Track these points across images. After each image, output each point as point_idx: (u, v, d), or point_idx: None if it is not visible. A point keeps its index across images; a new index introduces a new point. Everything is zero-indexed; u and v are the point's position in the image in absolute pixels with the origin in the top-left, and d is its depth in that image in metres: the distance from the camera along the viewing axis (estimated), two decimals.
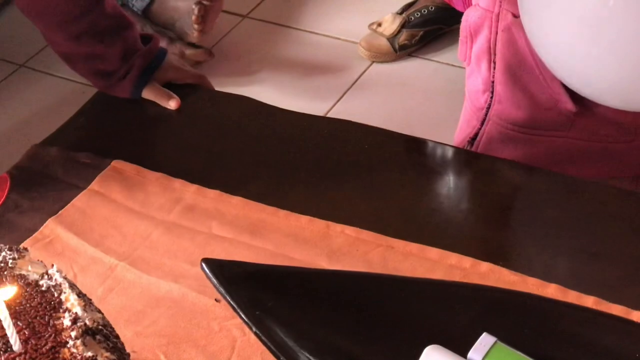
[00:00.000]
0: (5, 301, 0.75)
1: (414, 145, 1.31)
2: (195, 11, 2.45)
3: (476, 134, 1.35)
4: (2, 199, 1.23)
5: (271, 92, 2.35)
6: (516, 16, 1.19)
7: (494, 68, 1.27)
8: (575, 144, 1.27)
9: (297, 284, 0.98)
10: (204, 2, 2.44)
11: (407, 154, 1.30)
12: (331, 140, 1.33)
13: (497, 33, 1.24)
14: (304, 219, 1.17)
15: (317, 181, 1.25)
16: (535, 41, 1.06)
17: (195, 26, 2.47)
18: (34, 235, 1.18)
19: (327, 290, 0.98)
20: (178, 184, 1.26)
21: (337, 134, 1.34)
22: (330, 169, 1.27)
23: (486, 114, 1.32)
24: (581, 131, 1.25)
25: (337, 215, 1.17)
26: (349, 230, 1.15)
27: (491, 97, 1.30)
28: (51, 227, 1.19)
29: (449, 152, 1.28)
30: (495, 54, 1.26)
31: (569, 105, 1.21)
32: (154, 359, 0.99)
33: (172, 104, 1.39)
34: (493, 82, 1.28)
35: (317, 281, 0.99)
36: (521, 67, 1.24)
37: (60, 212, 1.21)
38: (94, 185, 1.26)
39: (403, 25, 2.48)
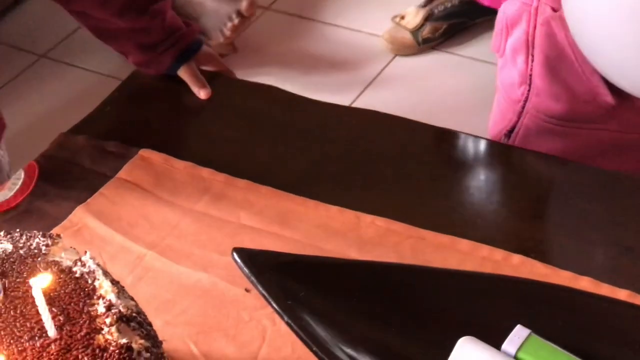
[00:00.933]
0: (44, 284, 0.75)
1: (447, 137, 1.30)
2: (235, 21, 2.43)
3: (513, 127, 1.34)
4: (31, 187, 1.23)
5: (292, 85, 2.32)
6: (555, 10, 1.18)
7: (532, 61, 1.26)
8: (612, 137, 1.26)
9: (328, 274, 0.97)
10: (245, 14, 2.43)
11: (439, 145, 1.30)
12: (360, 130, 1.32)
13: (535, 26, 1.23)
14: (334, 210, 1.16)
15: (346, 172, 1.24)
16: (575, 31, 1.05)
17: (228, 34, 2.46)
18: (62, 224, 1.17)
19: (359, 281, 0.97)
20: (206, 173, 1.25)
21: (366, 125, 1.33)
22: (360, 160, 1.26)
23: (523, 107, 1.31)
24: (619, 124, 1.25)
25: (367, 206, 1.16)
26: (379, 221, 1.14)
27: (528, 90, 1.29)
28: (79, 215, 1.18)
29: (482, 145, 1.27)
30: (533, 47, 1.25)
31: (608, 98, 1.21)
32: (184, 348, 0.98)
33: (203, 94, 1.39)
34: (531, 75, 1.27)
35: (349, 271, 0.99)
36: (560, 61, 1.23)
37: (88, 200, 1.21)
38: (122, 173, 1.25)
39: (426, 19, 2.46)
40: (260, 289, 0.93)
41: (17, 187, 1.24)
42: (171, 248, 1.13)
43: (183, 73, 1.40)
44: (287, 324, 0.91)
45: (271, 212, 1.17)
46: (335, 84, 2.48)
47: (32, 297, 0.79)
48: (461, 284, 0.98)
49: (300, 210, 1.17)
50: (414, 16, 2.48)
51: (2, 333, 0.76)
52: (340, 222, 1.14)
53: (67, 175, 1.27)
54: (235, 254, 0.97)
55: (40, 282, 0.75)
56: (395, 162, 1.25)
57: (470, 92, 2.32)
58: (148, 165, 1.28)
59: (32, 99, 2.52)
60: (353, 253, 1.08)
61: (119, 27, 1.38)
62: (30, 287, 0.79)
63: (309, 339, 0.89)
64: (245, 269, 0.95)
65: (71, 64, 2.63)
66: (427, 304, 0.96)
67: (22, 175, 1.26)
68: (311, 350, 0.88)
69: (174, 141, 1.35)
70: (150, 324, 0.82)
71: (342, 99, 2.31)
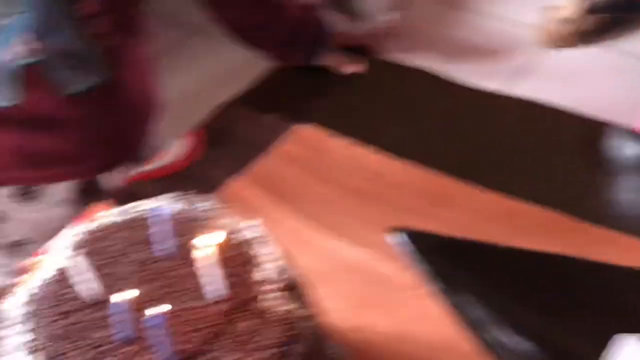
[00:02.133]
0: (213, 246, 0.77)
1: (608, 131, 1.27)
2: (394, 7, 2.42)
3: None
4: (193, 155, 1.26)
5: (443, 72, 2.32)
6: None
7: None
8: None
9: (489, 258, 0.97)
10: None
11: (599, 139, 1.27)
12: (519, 118, 1.31)
13: None
14: (492, 196, 1.16)
15: (504, 158, 1.23)
16: None
17: (384, 19, 2.44)
18: (222, 191, 1.20)
19: (518, 267, 0.97)
20: (363, 151, 1.26)
21: (527, 114, 1.32)
22: (520, 148, 1.25)
23: None
24: None
25: (524, 194, 1.15)
26: (538, 210, 1.13)
27: None
28: (238, 184, 1.21)
29: None
30: None
31: None
32: (341, 322, 0.99)
33: (351, 69, 1.40)
34: None
35: (510, 257, 0.98)
36: None
37: (246, 171, 1.23)
38: (280, 147, 1.28)
39: (587, 10, 2.39)
40: (420, 268, 0.94)
41: (180, 153, 1.27)
42: (328, 223, 1.14)
43: (324, 60, 1.42)
44: (445, 304, 0.91)
45: (428, 194, 1.17)
46: (485, 76, 2.44)
47: (199, 258, 0.81)
48: (624, 279, 0.96)
49: (458, 194, 1.17)
50: (572, 7, 2.42)
51: (169, 290, 0.79)
52: (497, 209, 1.14)
53: (226, 145, 1.30)
54: (396, 233, 0.98)
55: (210, 243, 0.77)
56: (554, 153, 1.23)
57: (631, 91, 2.25)
58: (305, 140, 1.29)
59: (191, 71, 2.58)
60: (509, 240, 1.07)
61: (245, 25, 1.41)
62: (199, 247, 0.81)
63: (466, 321, 0.88)
64: (406, 248, 0.96)
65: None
66: (587, 296, 0.94)
67: (185, 143, 1.29)
68: (468, 332, 0.88)
69: (331, 118, 1.36)
70: (309, 295, 0.83)
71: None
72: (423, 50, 2.33)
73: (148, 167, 1.27)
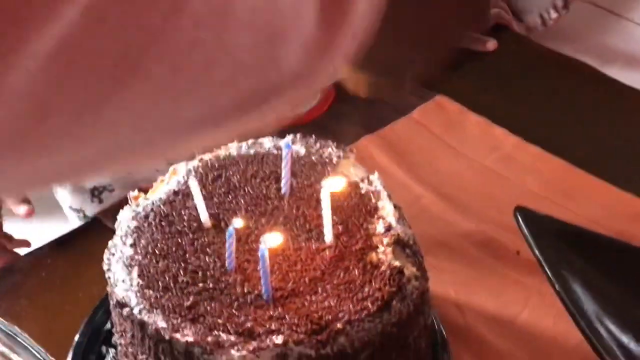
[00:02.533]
0: (330, 192, 0.76)
1: None
2: (560, 8, 2.34)
3: None
4: (326, 107, 1.25)
5: None
6: None
7: None
8: None
9: (610, 252, 0.93)
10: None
11: None
12: None
13: None
14: (625, 195, 1.11)
15: None
16: None
17: (550, 22, 2.37)
18: (348, 147, 1.18)
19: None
20: (499, 131, 1.23)
21: None
22: None
23: None
24: None
25: None
26: None
27: None
28: (367, 143, 1.19)
29: None
30: None
31: None
32: (444, 293, 0.97)
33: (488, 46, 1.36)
34: None
35: (632, 255, 0.93)
36: None
37: (378, 131, 1.21)
38: (415, 113, 1.25)
39: None
40: (536, 251, 0.90)
41: (312, 105, 1.26)
42: (451, 196, 1.11)
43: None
44: (557, 292, 0.87)
45: (559, 184, 1.13)
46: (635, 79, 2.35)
47: (316, 202, 0.80)
48: None
49: (590, 188, 1.12)
50: None
51: (282, 228, 0.78)
52: (630, 209, 1.09)
53: (361, 104, 1.28)
54: (517, 212, 0.94)
55: (330, 186, 0.76)
56: None
57: None
58: (442, 111, 1.27)
59: None
60: (638, 241, 1.02)
61: None
62: (316, 191, 0.80)
63: (577, 312, 0.84)
64: (525, 229, 0.92)
65: None
66: None
67: (318, 95, 1.28)
68: (577, 324, 0.84)
69: (471, 94, 1.33)
70: (422, 257, 0.80)
71: None
72: (574, 47, 2.27)
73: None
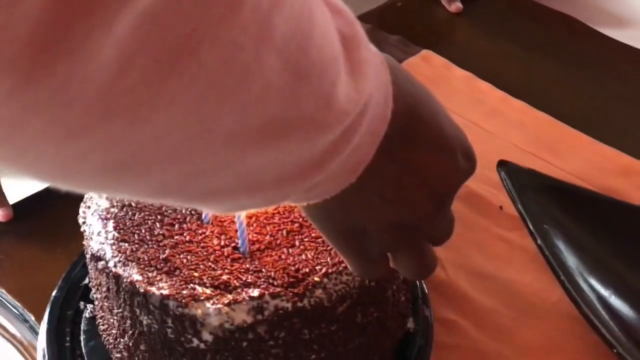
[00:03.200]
0: None
1: None
2: None
3: None
4: None
5: None
6: None
7: None
8: None
9: (593, 207, 0.92)
10: None
11: None
12: None
13: None
14: (610, 151, 1.10)
15: (631, 116, 1.17)
16: None
17: None
18: None
19: (625, 222, 0.91)
20: (484, 86, 1.22)
21: None
22: None
23: None
24: None
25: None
26: None
27: None
28: None
29: None
30: None
31: None
32: None
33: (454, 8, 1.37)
34: None
35: (616, 210, 0.93)
36: None
37: None
38: (403, 67, 1.23)
39: None
40: (519, 205, 0.89)
41: None
42: None
43: None
44: (539, 246, 0.86)
45: (544, 139, 1.12)
46: (625, 35, 2.34)
47: None
48: None
49: (575, 143, 1.12)
50: None
51: None
52: (614, 164, 1.08)
53: None
54: (501, 167, 0.94)
55: None
56: None
57: None
58: (428, 66, 1.26)
59: None
60: (621, 197, 1.01)
61: None
62: None
63: (558, 266, 0.84)
64: (508, 183, 0.91)
65: None
66: None
67: None
68: (558, 279, 0.84)
69: (457, 49, 1.32)
70: None
71: None
72: (561, 1, 2.25)
73: None
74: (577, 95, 1.22)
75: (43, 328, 0.82)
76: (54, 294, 0.85)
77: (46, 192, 1.03)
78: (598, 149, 1.10)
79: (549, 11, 1.41)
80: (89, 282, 0.82)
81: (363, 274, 0.63)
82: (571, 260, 0.85)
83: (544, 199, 0.90)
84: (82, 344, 0.81)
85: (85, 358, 0.80)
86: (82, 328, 0.83)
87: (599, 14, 1.44)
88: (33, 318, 0.89)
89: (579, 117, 1.16)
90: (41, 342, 0.81)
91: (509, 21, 1.40)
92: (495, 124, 1.15)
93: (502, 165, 0.93)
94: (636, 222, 0.91)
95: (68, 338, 0.82)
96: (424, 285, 0.86)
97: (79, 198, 0.78)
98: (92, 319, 0.82)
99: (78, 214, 0.77)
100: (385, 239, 0.57)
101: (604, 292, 0.83)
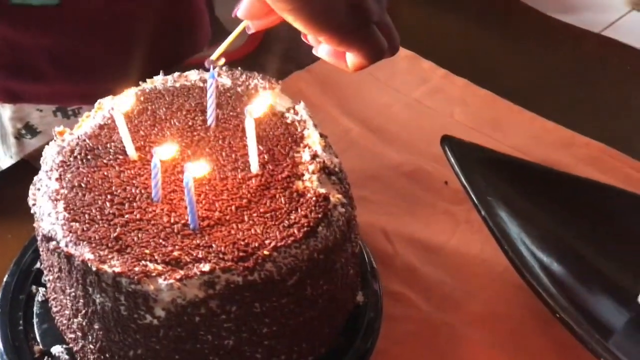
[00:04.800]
0: (256, 122, 0.76)
1: None
2: None
3: None
4: (256, 44, 1.25)
5: None
6: None
7: None
8: None
9: (535, 179, 0.94)
10: None
11: None
12: (598, 56, 1.27)
13: None
14: (550, 124, 1.13)
15: (569, 91, 1.20)
16: None
17: None
18: (282, 80, 1.18)
19: (565, 192, 0.94)
20: (427, 65, 1.24)
21: (606, 52, 1.28)
22: (587, 83, 1.22)
23: None
24: None
25: (583, 127, 1.12)
26: (595, 144, 1.09)
27: None
28: (297, 78, 1.19)
29: None
30: None
31: None
32: (374, 224, 0.98)
33: None
34: None
35: (557, 181, 0.95)
36: None
37: (307, 67, 1.21)
38: None
39: None
40: (463, 178, 0.91)
41: (242, 42, 1.25)
42: (380, 128, 1.12)
43: None
44: (483, 218, 0.88)
45: (485, 115, 1.15)
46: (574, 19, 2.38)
47: (242, 132, 0.80)
48: None
49: (516, 118, 1.14)
50: None
51: (208, 159, 0.78)
52: (554, 137, 1.11)
53: (292, 41, 1.27)
54: (444, 142, 0.95)
55: (252, 116, 0.76)
56: (622, 92, 1.19)
57: None
58: None
59: None
60: (561, 169, 1.04)
61: None
62: (241, 121, 0.80)
63: (502, 237, 0.86)
64: (451, 157, 0.93)
65: None
66: (632, 230, 0.91)
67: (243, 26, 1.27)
68: (502, 248, 0.86)
69: (399, 29, 1.33)
70: (349, 185, 0.81)
71: None
72: None
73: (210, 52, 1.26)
74: (518, 71, 1.25)
75: None
76: (5, 278, 0.85)
77: None
78: (538, 123, 1.13)
79: None
80: (41, 265, 0.82)
81: (363, 45, 0.74)
82: (514, 230, 0.87)
83: (487, 172, 0.92)
84: (36, 327, 0.82)
85: (39, 340, 0.80)
86: (34, 311, 0.83)
87: None
88: None
89: (519, 93, 1.18)
90: None
91: (450, 1, 1.42)
92: (438, 101, 1.17)
93: (446, 140, 0.95)
94: (575, 192, 0.94)
95: (21, 322, 0.82)
96: (372, 259, 0.88)
97: (29, 184, 0.78)
98: (45, 302, 0.83)
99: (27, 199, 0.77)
100: (350, 13, 0.70)
101: (546, 259, 0.85)
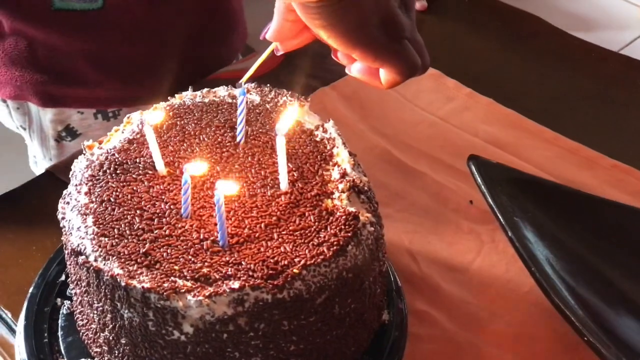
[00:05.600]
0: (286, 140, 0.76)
1: None
2: None
3: None
4: (280, 60, 1.25)
5: None
6: None
7: None
8: None
9: (561, 200, 0.94)
10: None
11: None
12: (621, 76, 1.27)
13: None
14: (574, 144, 1.13)
15: (593, 110, 1.20)
16: None
17: None
18: (308, 96, 1.18)
19: (591, 214, 0.93)
20: (452, 83, 1.24)
21: (629, 72, 1.28)
22: (611, 103, 1.22)
23: None
24: None
25: (608, 149, 1.12)
26: (620, 166, 1.09)
27: None
28: (324, 94, 1.20)
29: None
30: None
31: None
32: (397, 242, 0.98)
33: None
34: None
35: (583, 202, 0.95)
36: None
37: (332, 84, 1.22)
38: None
39: None
40: (489, 199, 0.91)
41: (265, 57, 1.25)
42: (405, 146, 1.12)
43: None
44: (510, 239, 0.88)
45: (510, 134, 1.15)
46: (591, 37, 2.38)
47: (271, 149, 0.80)
48: None
49: (539, 138, 1.14)
50: None
51: (238, 176, 0.78)
52: (578, 158, 1.11)
53: (317, 57, 1.28)
54: (470, 161, 0.95)
55: (282, 135, 0.76)
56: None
57: None
58: None
59: None
60: (586, 190, 1.03)
61: None
62: (271, 138, 0.80)
63: (529, 259, 0.85)
64: (478, 178, 0.93)
65: None
66: None
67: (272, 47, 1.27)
68: (529, 270, 0.85)
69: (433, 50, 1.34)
70: (377, 203, 0.81)
71: None
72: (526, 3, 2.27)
73: (233, 67, 1.26)
74: (541, 91, 1.25)
75: (20, 325, 0.82)
76: (30, 291, 0.85)
77: (21, 190, 1.03)
78: (562, 143, 1.13)
79: (512, 9, 1.44)
80: (66, 278, 0.82)
81: (396, 60, 0.73)
82: (541, 251, 0.87)
83: (513, 192, 0.92)
84: (60, 339, 0.82)
85: (64, 353, 0.80)
86: (59, 324, 0.83)
87: (560, 13, 1.47)
88: (10, 315, 0.89)
89: (543, 112, 1.18)
90: (19, 339, 0.81)
91: (473, 19, 1.42)
92: (462, 119, 1.17)
93: (472, 159, 0.95)
94: (601, 213, 0.94)
95: (46, 334, 0.82)
96: (397, 278, 0.88)
97: (54, 196, 0.79)
98: (70, 315, 0.83)
99: (52, 211, 0.77)
100: (383, 28, 0.71)
101: (573, 281, 0.85)
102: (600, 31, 2.40)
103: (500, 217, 0.89)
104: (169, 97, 0.88)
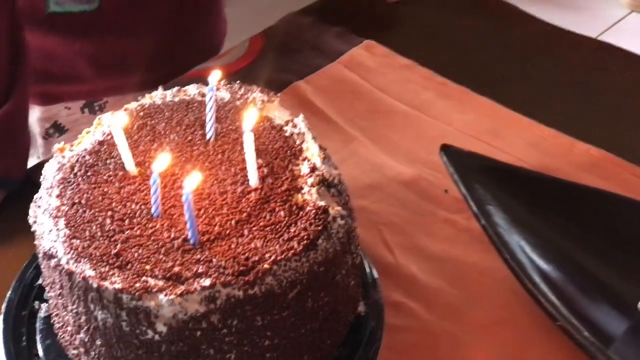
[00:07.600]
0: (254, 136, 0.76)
1: None
2: None
3: None
4: (255, 56, 1.25)
5: None
6: None
7: None
8: None
9: (535, 187, 0.95)
10: None
11: None
12: (596, 62, 1.27)
13: None
14: (549, 131, 1.13)
15: (568, 97, 1.20)
16: None
17: None
18: (282, 91, 1.19)
19: (565, 200, 0.94)
20: (426, 73, 1.24)
21: (605, 58, 1.28)
22: (588, 90, 1.22)
23: None
24: None
25: (583, 134, 1.12)
26: (594, 151, 1.09)
27: None
28: (298, 87, 1.20)
29: None
30: None
31: None
32: (374, 233, 0.98)
33: None
34: None
35: (556, 188, 0.95)
36: None
37: (307, 77, 1.22)
38: (344, 58, 1.27)
39: None
40: (462, 187, 0.91)
41: (241, 54, 1.26)
42: (381, 136, 1.13)
43: None
44: (483, 227, 0.89)
45: (485, 122, 1.15)
46: (571, 21, 2.38)
47: (241, 146, 0.80)
48: None
49: (515, 126, 1.14)
50: None
51: (207, 173, 0.78)
52: (553, 145, 1.11)
53: (291, 52, 1.28)
54: (443, 151, 0.96)
55: (251, 130, 0.76)
56: (621, 98, 1.20)
57: None
58: (371, 55, 1.28)
59: None
60: (561, 176, 1.04)
61: None
62: (240, 135, 0.80)
63: (502, 246, 0.86)
64: (450, 167, 0.93)
65: None
66: (632, 236, 0.91)
67: (247, 44, 1.28)
68: (502, 257, 0.86)
69: (399, 38, 1.34)
70: (348, 196, 0.81)
71: None
72: None
73: (210, 64, 1.27)
74: (516, 79, 1.25)
75: None
76: (8, 295, 0.85)
77: None
78: (537, 130, 1.13)
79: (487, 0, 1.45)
80: (43, 281, 0.83)
81: None
82: (514, 238, 0.88)
83: (486, 180, 0.93)
84: (39, 343, 0.82)
85: (42, 356, 0.80)
86: (37, 327, 0.83)
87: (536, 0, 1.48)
88: None
89: (518, 100, 1.19)
90: None
91: (448, 9, 1.42)
92: (437, 109, 1.18)
93: (445, 149, 0.96)
94: (575, 199, 0.94)
95: (24, 338, 0.82)
96: (373, 269, 0.88)
97: (30, 201, 0.79)
98: (47, 318, 0.83)
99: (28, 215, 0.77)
100: None
101: (546, 267, 0.85)
102: (577, 17, 2.41)
103: (472, 205, 0.90)
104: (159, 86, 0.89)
